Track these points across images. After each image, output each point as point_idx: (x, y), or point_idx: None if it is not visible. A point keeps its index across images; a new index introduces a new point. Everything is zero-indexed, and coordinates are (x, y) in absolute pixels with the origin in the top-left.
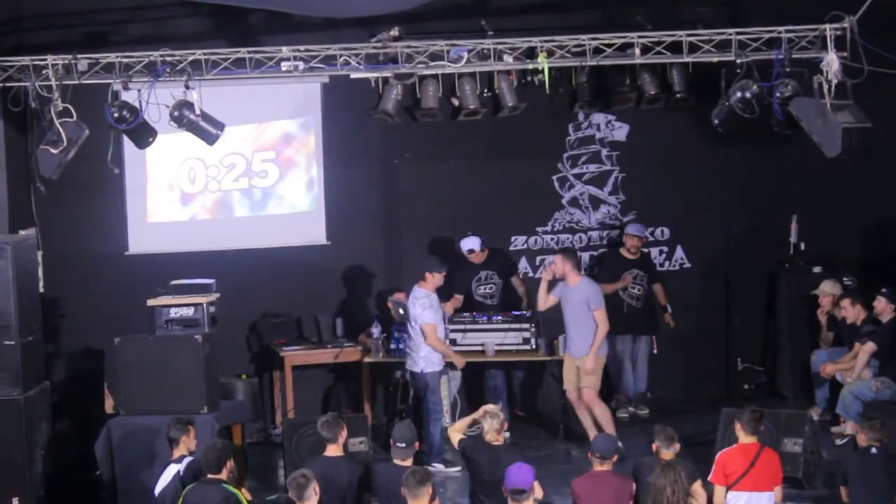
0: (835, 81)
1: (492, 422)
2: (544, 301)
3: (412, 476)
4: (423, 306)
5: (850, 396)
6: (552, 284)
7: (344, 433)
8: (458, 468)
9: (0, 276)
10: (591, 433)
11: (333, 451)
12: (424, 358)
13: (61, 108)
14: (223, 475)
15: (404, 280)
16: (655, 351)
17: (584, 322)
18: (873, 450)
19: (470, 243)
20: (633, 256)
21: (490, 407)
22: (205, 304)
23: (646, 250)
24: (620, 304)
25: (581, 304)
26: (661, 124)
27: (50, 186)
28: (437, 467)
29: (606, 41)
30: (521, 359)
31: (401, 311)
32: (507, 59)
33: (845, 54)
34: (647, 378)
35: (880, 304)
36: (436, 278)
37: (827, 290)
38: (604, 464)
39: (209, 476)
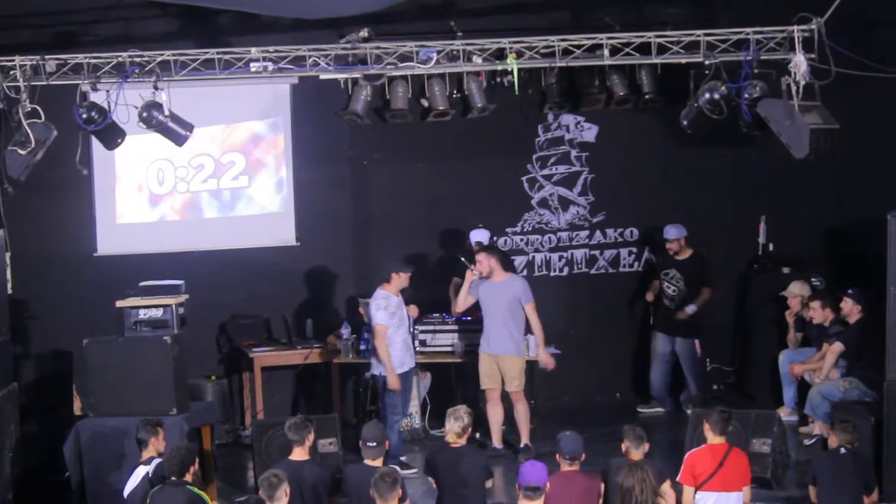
0: (803, 83)
1: (454, 423)
2: (463, 302)
3: (382, 481)
4: (378, 307)
5: (818, 397)
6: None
7: (311, 437)
8: (414, 470)
9: None
10: (496, 435)
11: (299, 454)
12: None
13: (29, 109)
14: (187, 478)
15: (374, 281)
16: (700, 353)
17: (514, 318)
18: (842, 450)
19: (479, 235)
20: (677, 256)
21: (458, 409)
22: (174, 306)
23: (623, 251)
24: (660, 302)
25: (513, 299)
26: (631, 125)
27: (18, 187)
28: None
29: (575, 42)
30: None
31: None
32: (477, 60)
33: (813, 56)
34: (696, 380)
35: (847, 305)
36: (401, 278)
37: (795, 291)
38: (572, 464)
39: (173, 478)
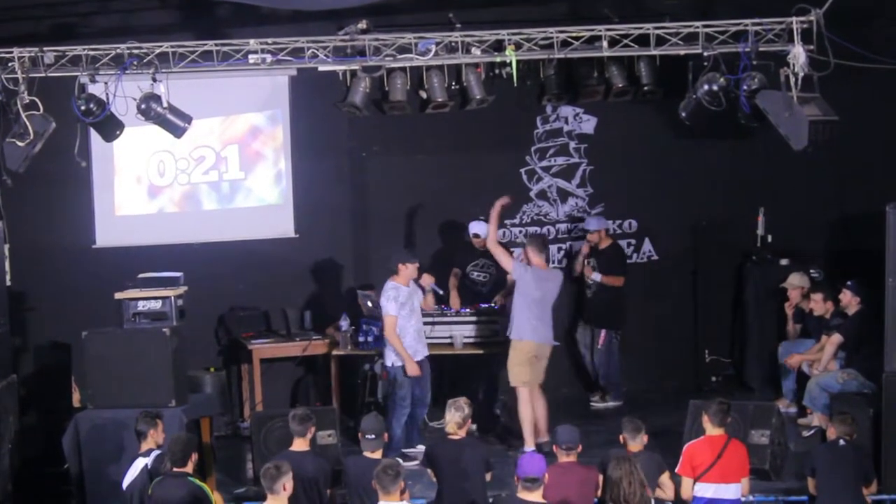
0: (801, 74)
1: (454, 414)
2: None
3: (385, 473)
4: (388, 298)
5: (817, 388)
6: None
7: (313, 429)
8: (416, 462)
9: None
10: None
11: (300, 445)
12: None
13: (28, 101)
14: (188, 468)
15: (372, 273)
16: (600, 345)
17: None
18: (841, 442)
19: (476, 228)
20: (598, 247)
21: (458, 400)
22: (173, 298)
23: (622, 242)
24: (583, 291)
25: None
26: (629, 117)
27: (17, 180)
28: None
29: (574, 34)
30: (489, 351)
31: (369, 304)
32: (475, 51)
33: (812, 47)
34: (602, 371)
35: (846, 297)
36: (409, 269)
37: (795, 282)
38: (569, 455)
39: (174, 469)
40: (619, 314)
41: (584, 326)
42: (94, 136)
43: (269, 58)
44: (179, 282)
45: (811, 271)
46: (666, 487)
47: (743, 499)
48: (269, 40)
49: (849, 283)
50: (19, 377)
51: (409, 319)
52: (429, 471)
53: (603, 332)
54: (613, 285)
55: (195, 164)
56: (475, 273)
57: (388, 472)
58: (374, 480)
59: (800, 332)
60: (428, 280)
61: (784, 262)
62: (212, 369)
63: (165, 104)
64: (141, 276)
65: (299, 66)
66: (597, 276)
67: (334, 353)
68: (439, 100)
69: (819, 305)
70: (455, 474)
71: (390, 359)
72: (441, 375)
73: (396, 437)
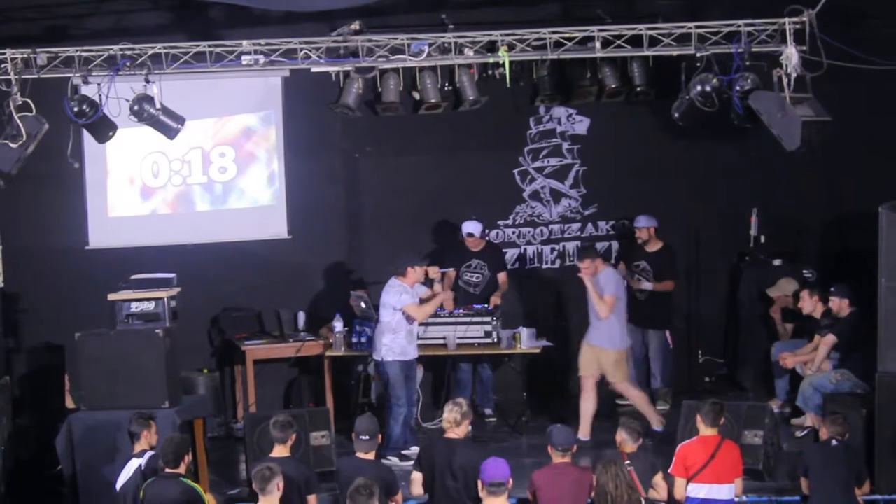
0: (794, 75)
1: (451, 412)
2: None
3: (358, 493)
4: (399, 293)
5: (810, 388)
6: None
7: (294, 437)
8: (411, 463)
9: None
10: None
11: (280, 451)
12: (386, 346)
13: (20, 103)
14: (181, 469)
15: (366, 274)
16: (671, 344)
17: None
18: (834, 442)
19: (471, 227)
20: (646, 247)
21: (458, 399)
22: (166, 299)
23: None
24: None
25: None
26: (622, 118)
27: (9, 181)
28: (392, 461)
29: (567, 35)
30: (482, 352)
31: (362, 304)
32: (468, 52)
33: (804, 48)
34: (663, 374)
35: (835, 302)
36: (417, 272)
37: (783, 288)
38: (564, 456)
39: (167, 470)
40: (670, 314)
41: (634, 328)
42: (87, 138)
43: (261, 59)
44: (172, 283)
45: (804, 272)
46: (659, 488)
47: (736, 499)
48: (262, 41)
49: (832, 288)
50: (12, 379)
51: (405, 320)
52: (414, 476)
53: (667, 333)
54: (665, 290)
55: (188, 165)
56: (468, 274)
57: (361, 493)
58: (348, 500)
59: (792, 332)
60: (434, 271)
61: (777, 262)
62: (205, 370)
63: (158, 105)
64: (134, 277)
65: (292, 67)
66: (647, 286)
67: (328, 354)
68: (432, 101)
69: (806, 303)
70: (448, 474)
71: (380, 354)
72: (435, 377)
73: (395, 436)
